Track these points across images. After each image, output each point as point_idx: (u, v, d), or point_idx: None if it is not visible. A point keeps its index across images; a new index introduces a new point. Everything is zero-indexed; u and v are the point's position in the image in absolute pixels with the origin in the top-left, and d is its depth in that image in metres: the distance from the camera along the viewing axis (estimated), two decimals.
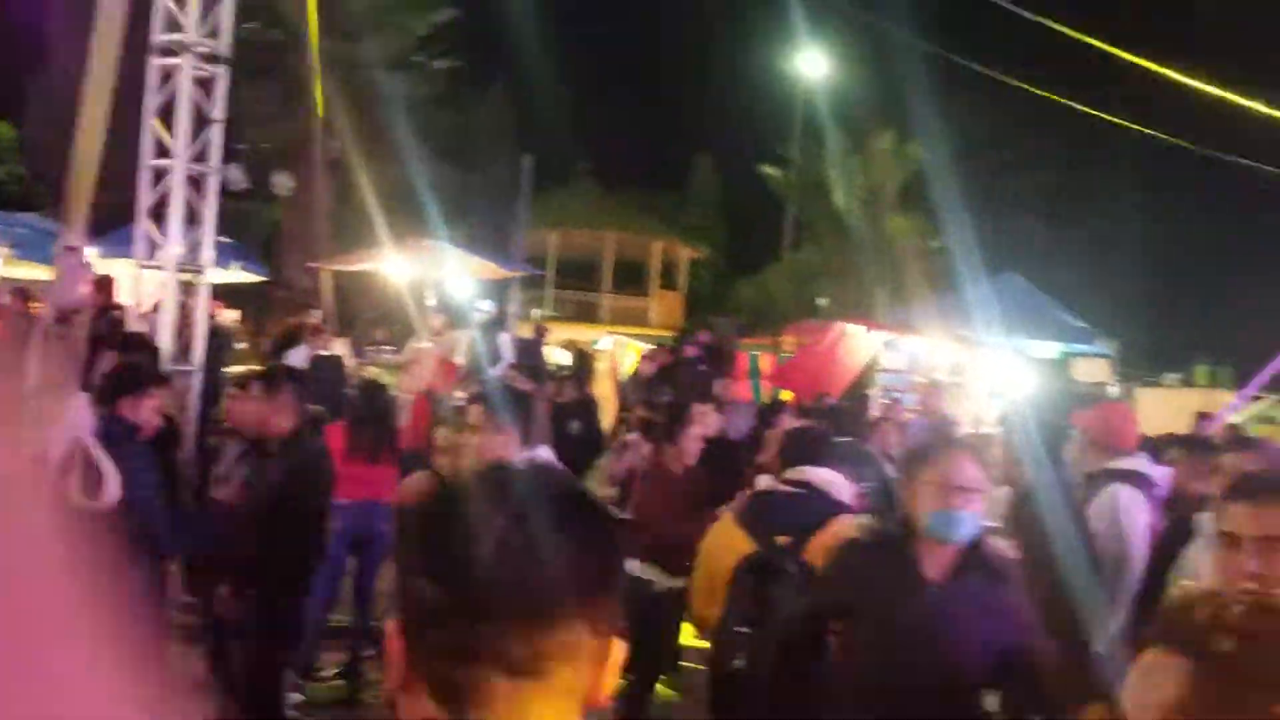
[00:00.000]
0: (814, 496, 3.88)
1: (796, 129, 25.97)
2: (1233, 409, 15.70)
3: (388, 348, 14.00)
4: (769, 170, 26.77)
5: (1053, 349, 17.34)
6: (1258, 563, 2.22)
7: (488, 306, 13.16)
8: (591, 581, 1.06)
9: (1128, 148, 26.41)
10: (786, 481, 4.02)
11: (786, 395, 12.85)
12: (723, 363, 13.75)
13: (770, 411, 8.27)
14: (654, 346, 15.77)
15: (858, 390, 13.64)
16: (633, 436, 7.37)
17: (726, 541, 3.90)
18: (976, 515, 2.87)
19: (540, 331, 14.72)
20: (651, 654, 5.46)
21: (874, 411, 12.37)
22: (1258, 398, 19.41)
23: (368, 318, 17.51)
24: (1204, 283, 32.70)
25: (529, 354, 13.26)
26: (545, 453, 4.12)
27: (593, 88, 29.47)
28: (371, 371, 12.99)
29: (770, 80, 26.86)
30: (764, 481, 4.19)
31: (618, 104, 32.38)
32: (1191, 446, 5.19)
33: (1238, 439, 5.67)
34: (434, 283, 14.08)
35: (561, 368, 15.12)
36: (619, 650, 1.09)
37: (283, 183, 19.50)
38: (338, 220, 19.63)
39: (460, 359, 11.82)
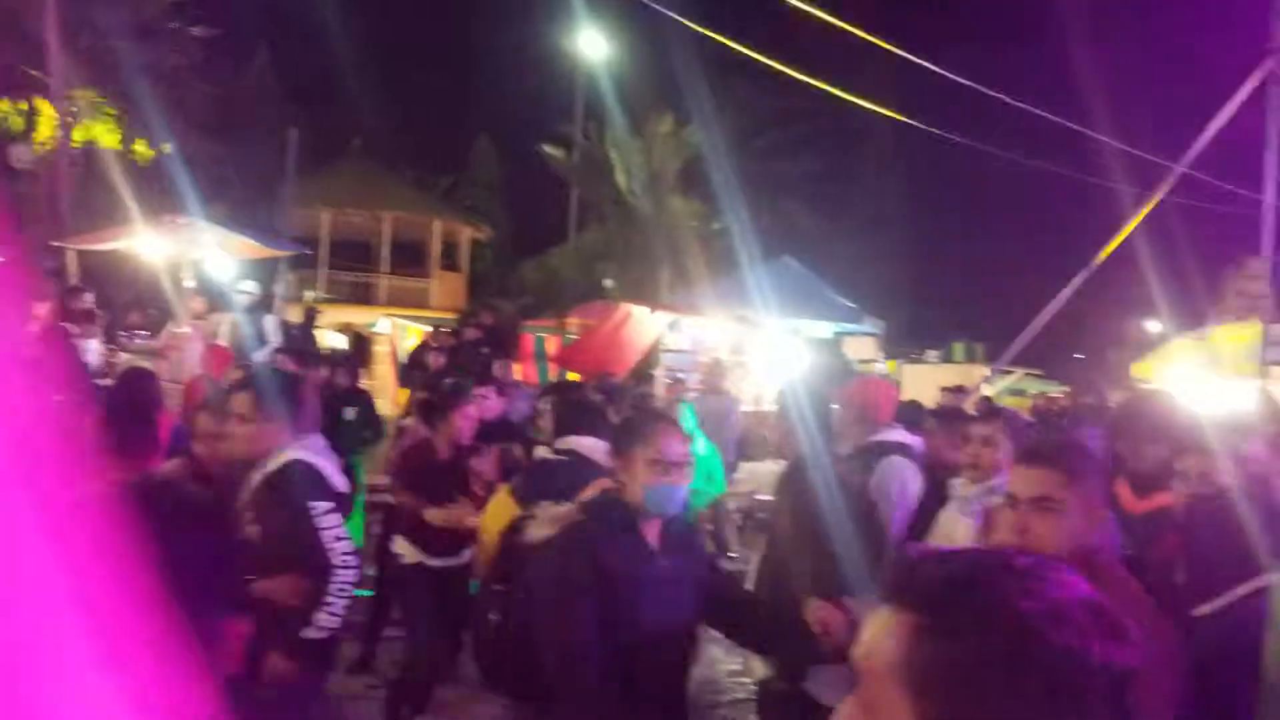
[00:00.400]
0: (578, 463, 4.03)
1: (578, 110, 25.86)
2: (985, 382, 16.90)
3: (143, 333, 12.94)
4: (551, 150, 26.51)
5: (825, 329, 18.09)
6: (1025, 521, 2.34)
7: (251, 288, 12.32)
8: (207, 571, 1.29)
9: (891, 136, 27.83)
10: (557, 451, 4.22)
11: (574, 377, 12.79)
12: (505, 345, 13.52)
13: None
14: (429, 329, 15.35)
15: (643, 370, 13.74)
16: (409, 421, 7.04)
17: (499, 512, 4.11)
18: (685, 487, 3.04)
19: (310, 314, 14.00)
20: (415, 628, 5.49)
21: (659, 390, 12.50)
22: (1007, 372, 20.98)
23: (121, 301, 16.16)
24: (961, 266, 35.11)
25: (297, 337, 12.59)
26: (316, 440, 3.81)
27: (367, 61, 28.33)
28: (124, 358, 11.99)
29: (551, 60, 26.60)
30: (540, 452, 4.43)
31: (394, 79, 31.32)
32: (944, 417, 5.45)
33: (988, 410, 6.06)
34: (192, 263, 13.09)
35: (336, 351, 14.48)
36: (243, 626, 1.28)
37: (21, 155, 17.80)
38: (84, 196, 18.06)
39: (223, 343, 11.08)
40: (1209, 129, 14.18)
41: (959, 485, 4.04)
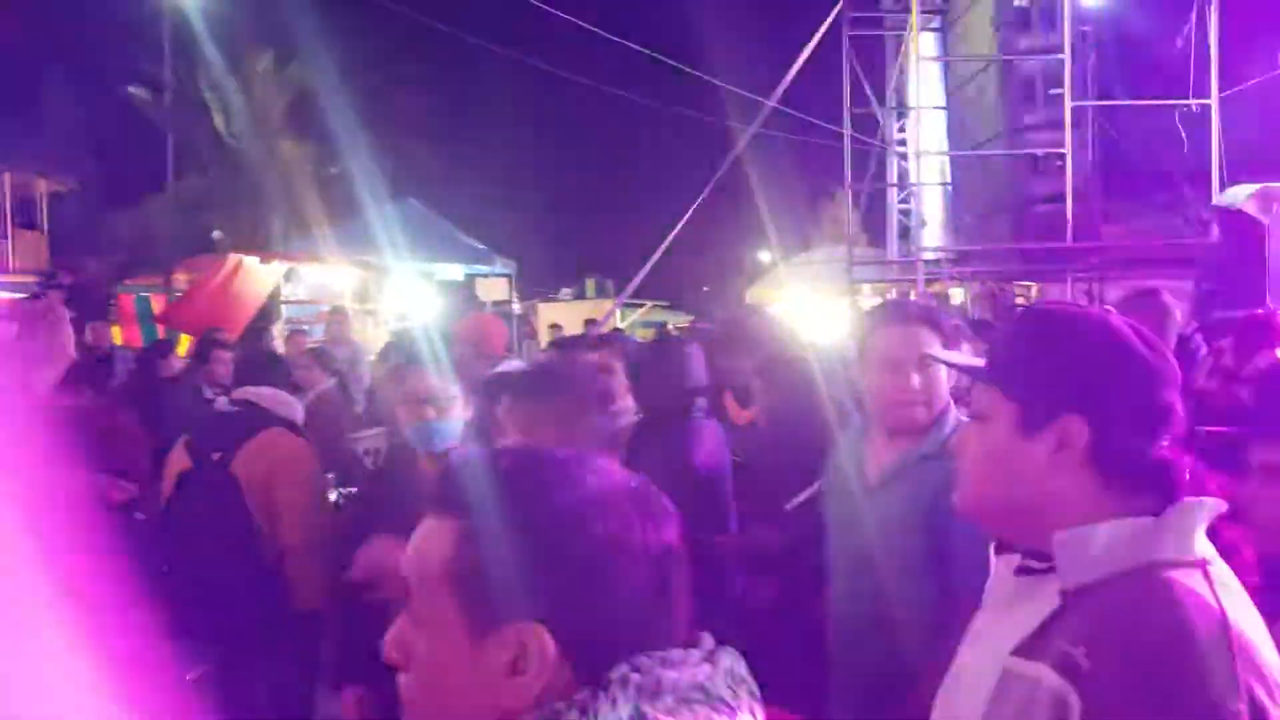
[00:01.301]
0: (253, 413, 4.04)
1: (165, 47, 23.71)
2: (611, 314, 17.59)
3: None
4: (136, 92, 24.13)
5: (457, 271, 18.02)
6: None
7: None
8: None
9: (511, 75, 27.92)
10: (233, 402, 4.20)
11: (185, 337, 11.85)
12: (93, 306, 12.21)
13: (152, 355, 7.38)
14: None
15: (259, 324, 12.97)
16: None
17: (174, 464, 4.07)
18: (456, 422, 3.09)
19: None
20: None
21: (277, 345, 11.80)
22: (637, 304, 21.97)
23: None
24: (592, 204, 36.27)
25: None
26: None
27: None
28: None
29: None
30: (220, 403, 4.41)
31: None
32: (561, 345, 5.71)
33: (604, 338, 6.30)
34: None
35: None
36: None
37: None
38: None
39: None
40: (793, 67, 15.34)
41: None
